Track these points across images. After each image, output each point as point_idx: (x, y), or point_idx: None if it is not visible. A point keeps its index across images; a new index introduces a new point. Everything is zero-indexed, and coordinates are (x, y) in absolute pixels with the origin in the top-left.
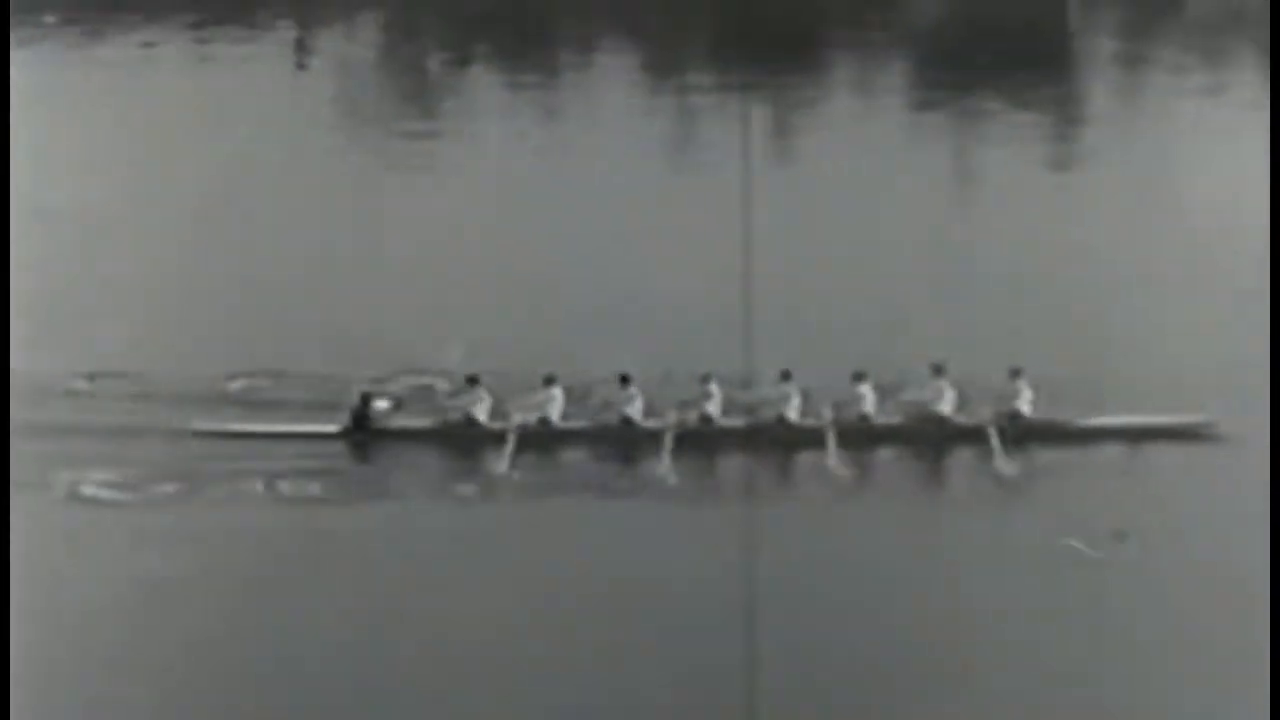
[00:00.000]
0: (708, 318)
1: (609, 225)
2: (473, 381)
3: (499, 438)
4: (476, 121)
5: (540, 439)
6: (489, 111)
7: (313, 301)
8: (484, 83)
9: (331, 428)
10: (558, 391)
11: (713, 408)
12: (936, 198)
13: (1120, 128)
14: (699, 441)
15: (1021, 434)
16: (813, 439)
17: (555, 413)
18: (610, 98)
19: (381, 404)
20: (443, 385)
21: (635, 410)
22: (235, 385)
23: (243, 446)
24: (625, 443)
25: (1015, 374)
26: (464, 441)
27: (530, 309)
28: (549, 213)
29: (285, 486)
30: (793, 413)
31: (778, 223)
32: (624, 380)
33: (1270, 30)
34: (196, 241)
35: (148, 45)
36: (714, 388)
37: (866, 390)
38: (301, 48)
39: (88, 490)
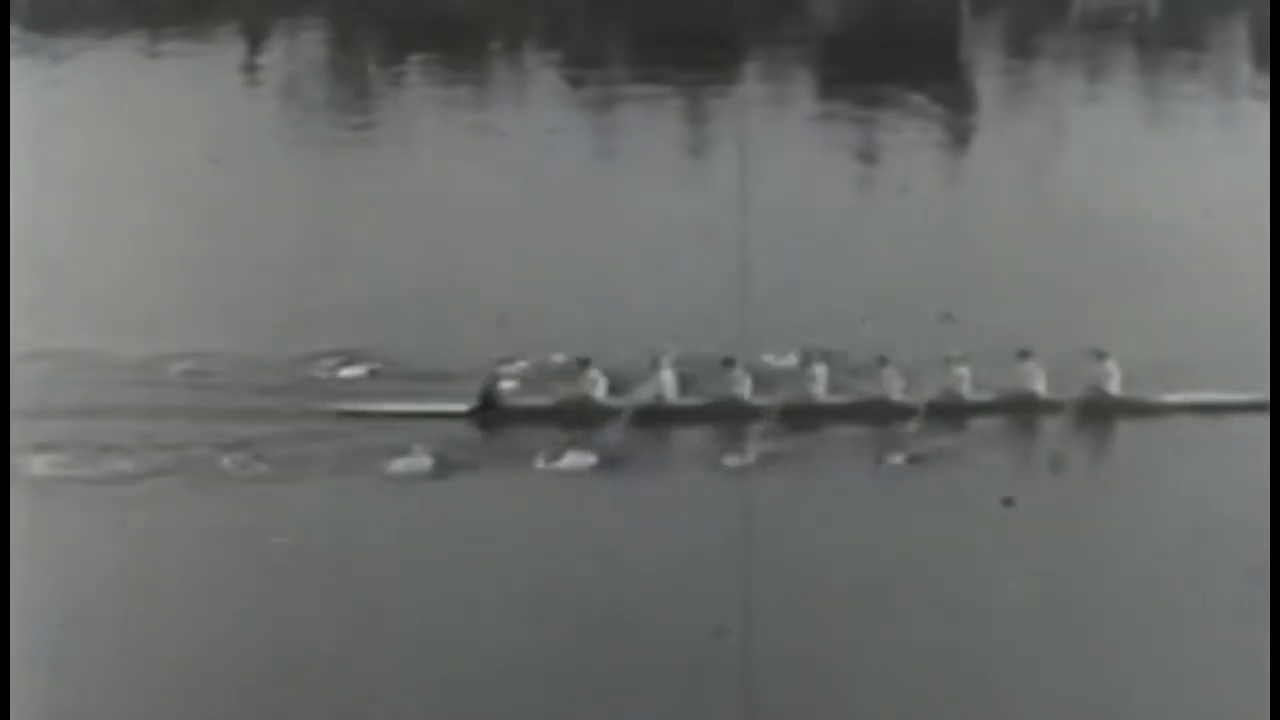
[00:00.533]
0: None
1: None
2: (584, 363)
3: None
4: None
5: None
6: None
7: (260, 286)
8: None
9: (461, 406)
10: (669, 374)
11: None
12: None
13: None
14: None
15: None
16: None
17: (670, 393)
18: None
19: (508, 384)
20: (381, 369)
21: (745, 389)
22: (180, 366)
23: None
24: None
25: (1101, 356)
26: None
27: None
28: (477, 200)
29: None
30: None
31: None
32: (728, 363)
33: (1270, 30)
34: (156, 228)
35: (106, 54)
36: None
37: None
38: (253, 55)
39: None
